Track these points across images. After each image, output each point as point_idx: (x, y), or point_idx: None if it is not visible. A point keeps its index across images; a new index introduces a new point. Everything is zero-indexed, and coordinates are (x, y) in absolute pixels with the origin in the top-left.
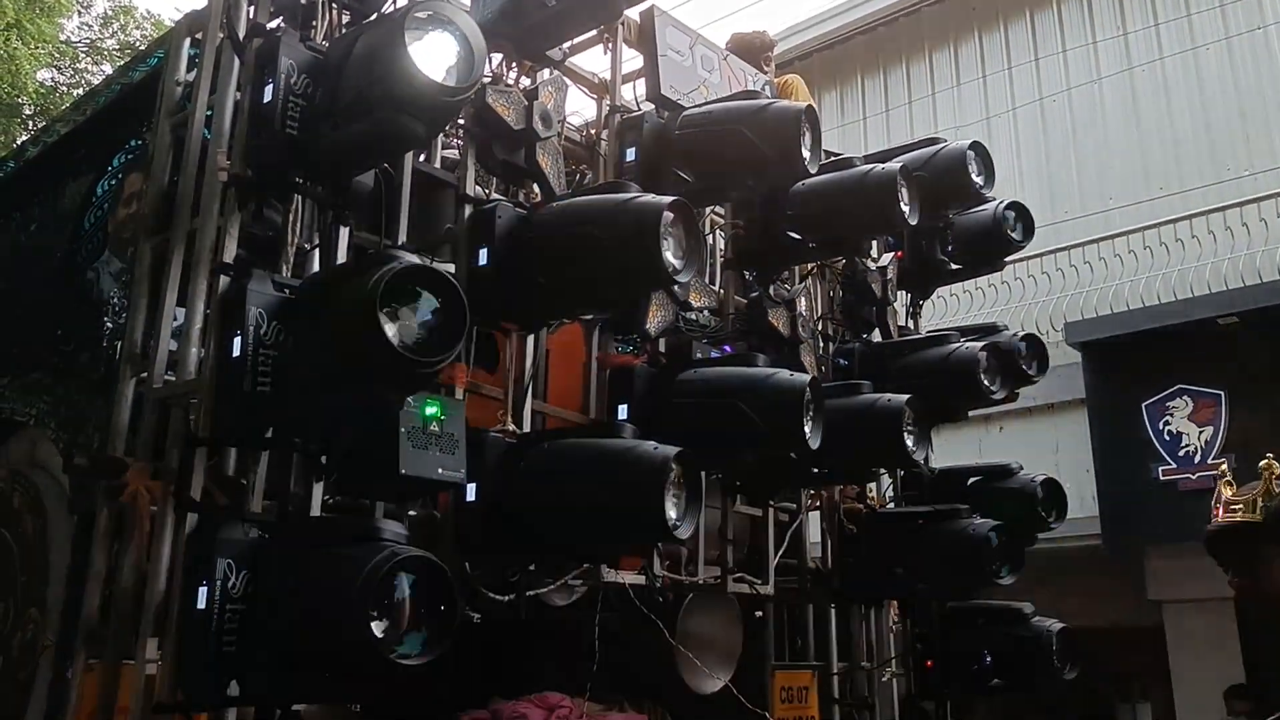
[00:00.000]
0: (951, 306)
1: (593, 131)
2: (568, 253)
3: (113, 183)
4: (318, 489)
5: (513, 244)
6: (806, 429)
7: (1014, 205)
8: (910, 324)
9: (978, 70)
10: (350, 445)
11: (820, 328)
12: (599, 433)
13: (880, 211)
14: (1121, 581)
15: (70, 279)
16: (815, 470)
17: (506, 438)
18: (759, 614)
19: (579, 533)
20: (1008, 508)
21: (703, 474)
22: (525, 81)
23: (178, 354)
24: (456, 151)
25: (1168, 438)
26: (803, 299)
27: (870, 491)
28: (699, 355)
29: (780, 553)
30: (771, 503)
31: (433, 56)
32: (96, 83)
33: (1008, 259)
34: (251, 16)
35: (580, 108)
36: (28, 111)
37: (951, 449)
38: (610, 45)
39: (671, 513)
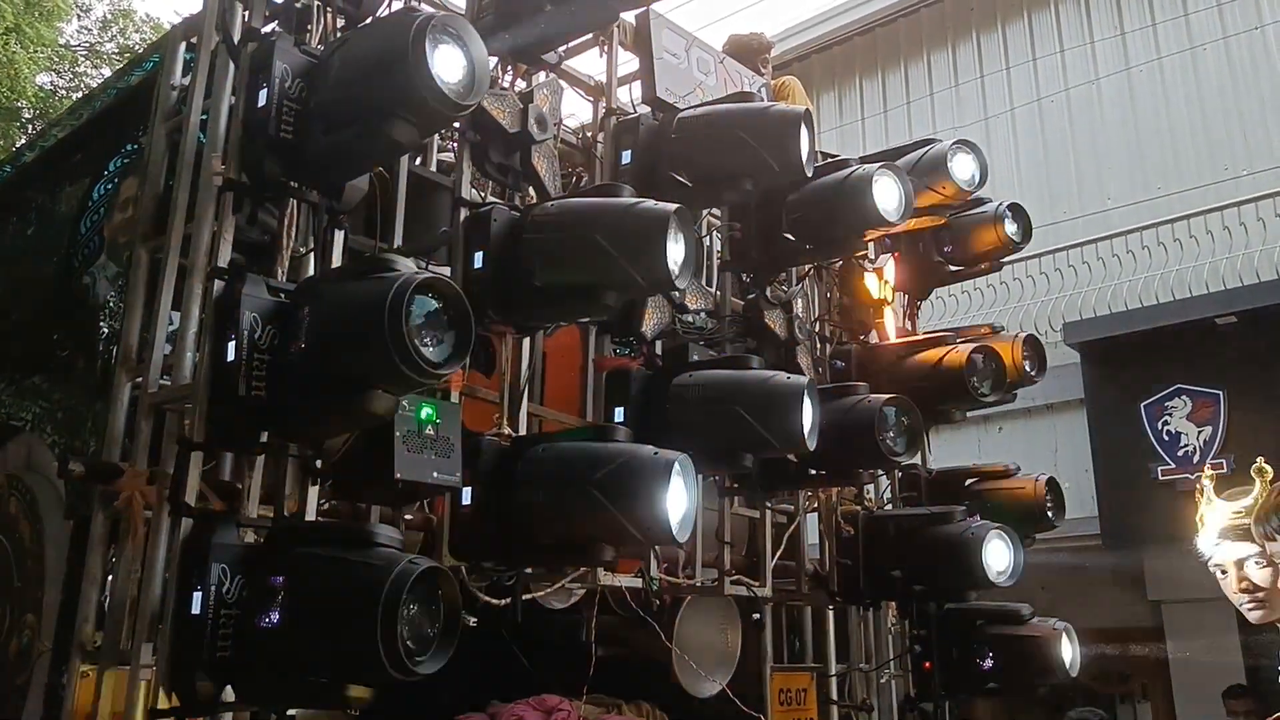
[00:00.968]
0: (950, 307)
1: (589, 134)
2: (565, 256)
3: (109, 187)
4: (313, 493)
5: (508, 247)
6: (805, 431)
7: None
8: (908, 325)
9: (976, 71)
10: (345, 449)
11: (817, 329)
12: (594, 436)
13: (859, 212)
14: (1121, 582)
15: (67, 284)
16: (813, 472)
17: (502, 441)
18: (756, 616)
19: (578, 536)
20: (1007, 509)
21: (700, 477)
22: (520, 84)
23: (173, 358)
24: (452, 155)
25: (1166, 437)
26: (799, 301)
27: (868, 493)
28: (695, 357)
29: (778, 555)
30: (769, 505)
31: (445, 68)
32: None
33: (1006, 259)
34: (246, 21)
35: (577, 110)
36: (27, 115)
37: (951, 449)
38: (606, 48)
39: (670, 515)
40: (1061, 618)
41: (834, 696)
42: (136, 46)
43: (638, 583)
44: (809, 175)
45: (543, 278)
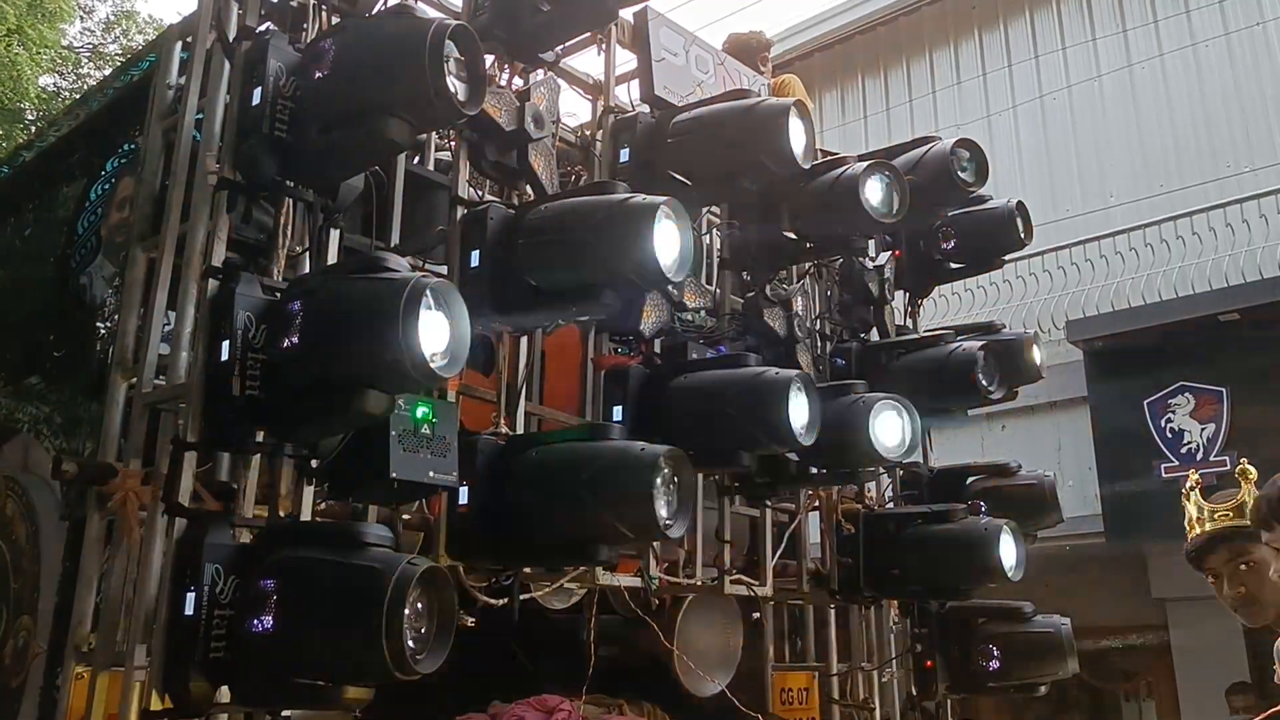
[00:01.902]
0: (953, 305)
1: (587, 132)
2: (557, 256)
3: (106, 187)
4: (308, 492)
5: (505, 245)
6: (795, 426)
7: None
8: (909, 323)
9: (978, 68)
10: (341, 448)
11: (818, 327)
12: (588, 435)
13: (854, 210)
14: (1125, 580)
15: (65, 284)
16: (813, 470)
17: (499, 440)
18: (756, 615)
19: (571, 535)
20: (1010, 506)
21: (699, 475)
22: (518, 82)
23: (168, 358)
24: (449, 153)
25: (1170, 435)
26: (799, 298)
27: (869, 491)
28: (694, 356)
29: (778, 554)
30: (769, 503)
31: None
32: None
33: (1008, 257)
34: (241, 20)
35: (577, 110)
36: (30, 117)
37: (954, 448)
38: (604, 46)
39: (663, 512)
40: (1065, 615)
41: (836, 696)
42: (139, 47)
43: (637, 582)
44: (805, 166)
45: (538, 278)
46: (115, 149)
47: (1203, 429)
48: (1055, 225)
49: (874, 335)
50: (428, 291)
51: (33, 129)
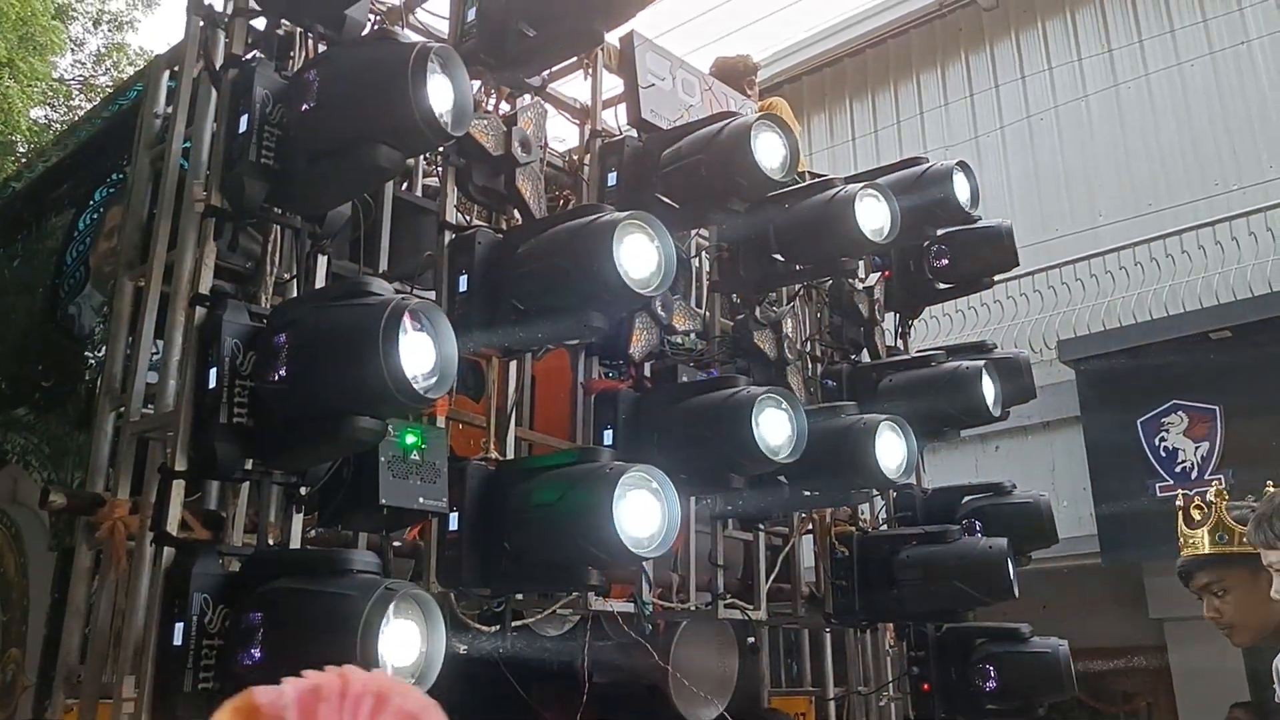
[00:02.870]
0: (944, 326)
1: (575, 157)
2: (541, 278)
3: (94, 216)
4: (297, 520)
5: (492, 270)
6: (768, 443)
7: (963, 166)
8: (900, 344)
9: (965, 90)
10: (329, 476)
11: (808, 349)
12: (577, 459)
13: (846, 233)
14: (1122, 600)
15: (53, 314)
16: (806, 493)
17: (488, 466)
18: (751, 640)
19: (558, 560)
20: (1004, 526)
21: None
22: (505, 107)
23: (156, 387)
24: (437, 179)
25: (1164, 454)
26: (789, 320)
27: (862, 513)
28: (685, 379)
29: (772, 577)
30: (763, 527)
31: (438, 99)
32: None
33: (998, 278)
34: (228, 48)
35: (564, 134)
36: (21, 149)
37: (948, 469)
38: (590, 71)
39: (628, 530)
40: (1064, 638)
41: None
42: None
43: (631, 607)
44: (778, 179)
45: (524, 302)
46: (103, 179)
47: (1196, 447)
48: (1045, 245)
49: (865, 357)
50: (408, 313)
51: (23, 161)
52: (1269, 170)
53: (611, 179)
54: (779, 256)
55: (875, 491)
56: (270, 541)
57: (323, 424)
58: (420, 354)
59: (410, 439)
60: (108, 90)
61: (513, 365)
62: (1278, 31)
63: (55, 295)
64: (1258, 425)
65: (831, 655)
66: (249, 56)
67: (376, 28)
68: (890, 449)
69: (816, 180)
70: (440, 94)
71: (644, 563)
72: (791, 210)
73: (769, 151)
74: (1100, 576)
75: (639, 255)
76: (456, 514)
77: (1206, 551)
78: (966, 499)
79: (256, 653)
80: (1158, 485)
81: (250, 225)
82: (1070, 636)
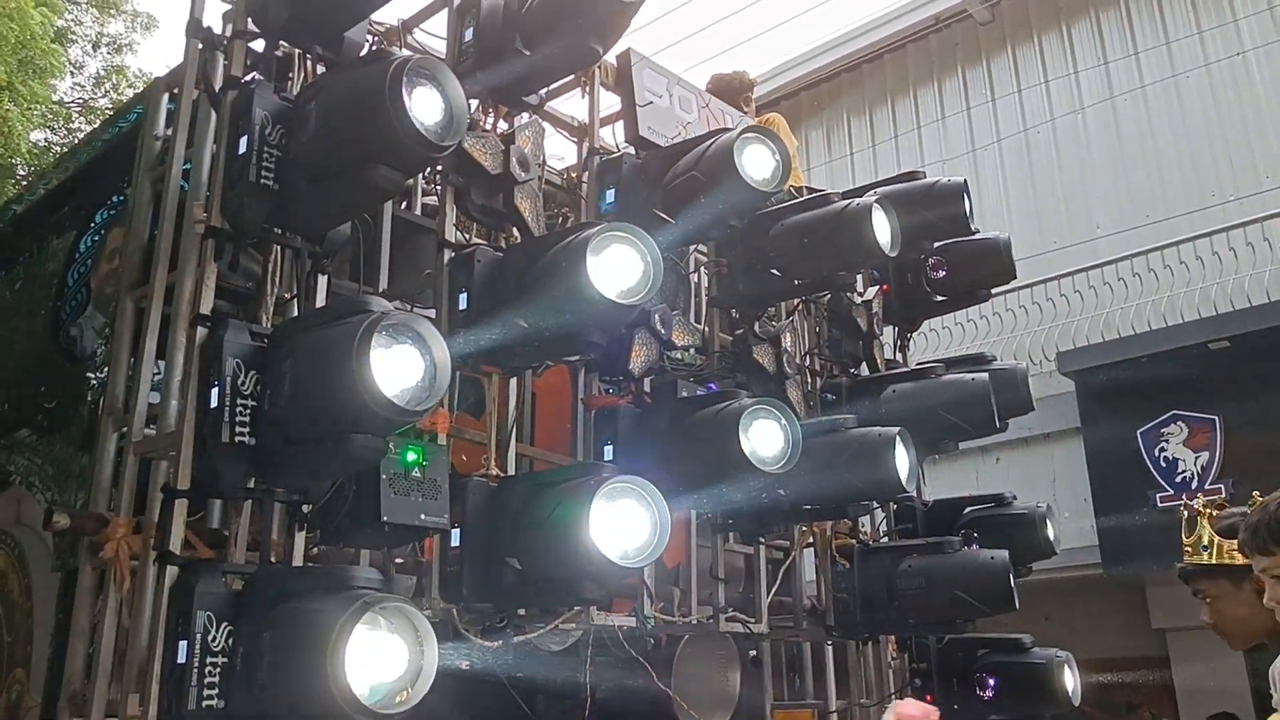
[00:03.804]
0: (944, 339)
1: (573, 174)
2: (536, 296)
3: (96, 238)
4: (300, 538)
5: (492, 288)
6: (758, 455)
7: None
8: (899, 357)
9: (962, 103)
10: (331, 493)
11: (807, 363)
12: (577, 475)
13: (859, 245)
14: (1124, 610)
15: (55, 336)
16: (806, 507)
17: (490, 482)
18: (753, 653)
19: (559, 575)
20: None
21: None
22: (503, 126)
23: (158, 407)
24: (437, 198)
25: (1164, 464)
26: (788, 335)
27: (863, 526)
28: (684, 394)
29: (773, 590)
30: (763, 540)
31: (423, 110)
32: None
33: (996, 290)
34: (227, 70)
35: (563, 151)
36: (22, 172)
37: (949, 480)
38: (588, 89)
39: (604, 541)
40: (1066, 648)
41: None
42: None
43: (632, 622)
44: (769, 190)
45: (523, 317)
46: (104, 201)
47: (1196, 457)
48: (1043, 257)
49: (864, 370)
50: (381, 328)
51: (24, 184)
52: (1265, 181)
53: (610, 196)
54: (775, 271)
55: (875, 504)
56: (273, 559)
57: (323, 442)
58: (404, 367)
59: (411, 456)
60: (107, 113)
61: (513, 382)
62: (1273, 43)
63: (57, 317)
64: (1258, 434)
65: (834, 668)
66: (248, 78)
67: (374, 49)
68: (900, 459)
69: (814, 195)
70: (427, 105)
71: (638, 573)
72: (790, 224)
73: (757, 163)
74: (1102, 587)
75: (622, 266)
76: (458, 530)
77: (1191, 562)
78: (967, 511)
79: (260, 669)
80: (1158, 496)
81: (251, 245)
82: (1073, 647)
